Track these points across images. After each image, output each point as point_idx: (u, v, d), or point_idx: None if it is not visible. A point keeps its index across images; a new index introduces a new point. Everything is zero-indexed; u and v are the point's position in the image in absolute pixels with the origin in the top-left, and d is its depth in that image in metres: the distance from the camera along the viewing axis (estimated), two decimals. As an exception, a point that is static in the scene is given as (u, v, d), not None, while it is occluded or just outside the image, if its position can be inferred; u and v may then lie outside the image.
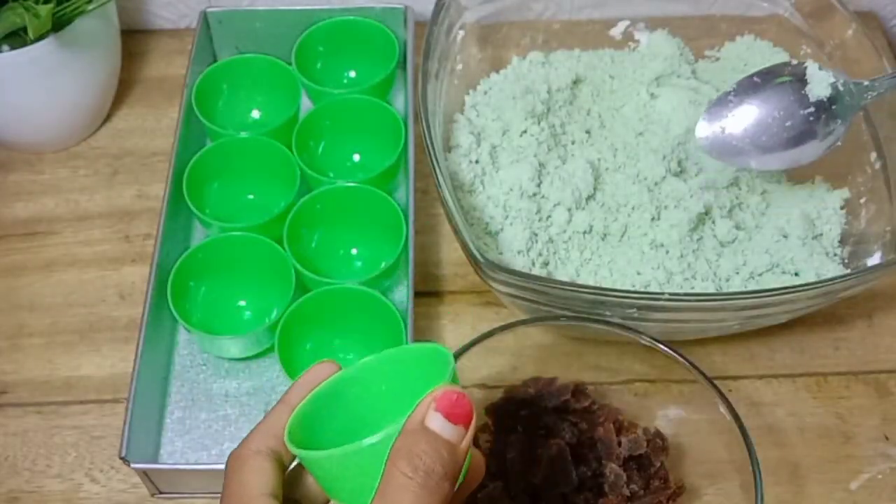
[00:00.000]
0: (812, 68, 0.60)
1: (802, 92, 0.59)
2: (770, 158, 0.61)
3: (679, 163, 0.68)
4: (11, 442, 0.62)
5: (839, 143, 0.60)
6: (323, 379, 0.38)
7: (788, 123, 0.59)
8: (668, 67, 0.74)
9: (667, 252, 0.65)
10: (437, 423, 0.31)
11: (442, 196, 0.58)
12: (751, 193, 0.68)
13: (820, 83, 0.59)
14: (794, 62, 0.62)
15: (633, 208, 0.66)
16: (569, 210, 0.65)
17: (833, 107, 0.59)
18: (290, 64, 0.74)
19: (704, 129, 0.62)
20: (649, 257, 0.65)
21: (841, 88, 0.59)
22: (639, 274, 0.64)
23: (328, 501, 0.38)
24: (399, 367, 0.40)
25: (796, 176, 0.70)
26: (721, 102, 0.62)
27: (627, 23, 0.77)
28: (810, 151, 0.61)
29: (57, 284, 0.69)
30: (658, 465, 0.56)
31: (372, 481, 0.32)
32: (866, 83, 0.60)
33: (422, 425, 0.31)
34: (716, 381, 0.55)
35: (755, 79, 0.61)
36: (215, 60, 0.79)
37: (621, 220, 0.66)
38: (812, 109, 0.59)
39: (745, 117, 0.61)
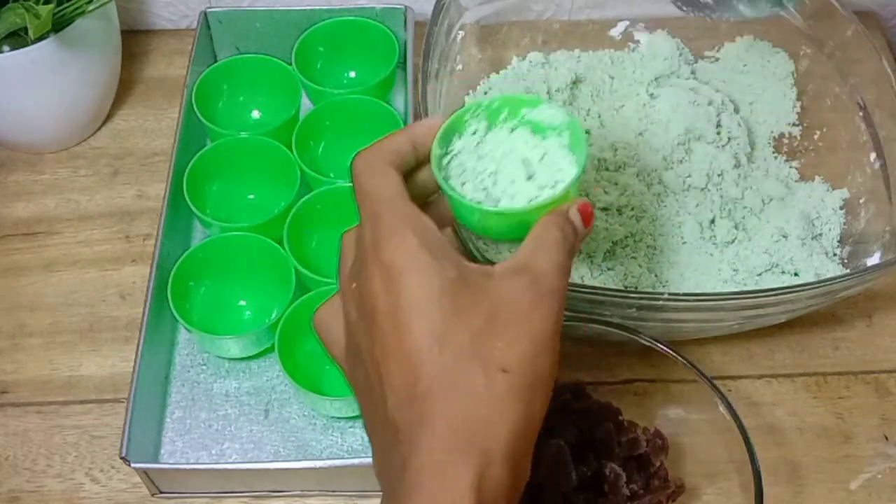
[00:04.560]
0: None
1: None
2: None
3: (679, 163, 0.68)
4: (12, 442, 0.62)
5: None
6: (440, 123, 0.44)
7: None
8: (667, 68, 0.74)
9: (666, 252, 0.65)
10: (576, 219, 0.42)
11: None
12: (751, 193, 0.68)
13: None
14: None
15: (632, 208, 0.66)
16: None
17: None
18: (290, 64, 0.74)
19: None
20: (649, 257, 0.65)
21: None
22: (639, 274, 0.64)
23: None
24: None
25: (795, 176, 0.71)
26: None
27: (627, 23, 0.77)
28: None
29: (57, 284, 0.69)
30: (658, 464, 0.56)
31: (506, 228, 0.44)
32: None
33: (567, 215, 0.42)
34: (715, 381, 0.55)
35: None
36: (215, 60, 0.79)
37: (621, 220, 0.66)
38: None
39: None
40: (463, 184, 0.44)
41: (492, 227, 0.44)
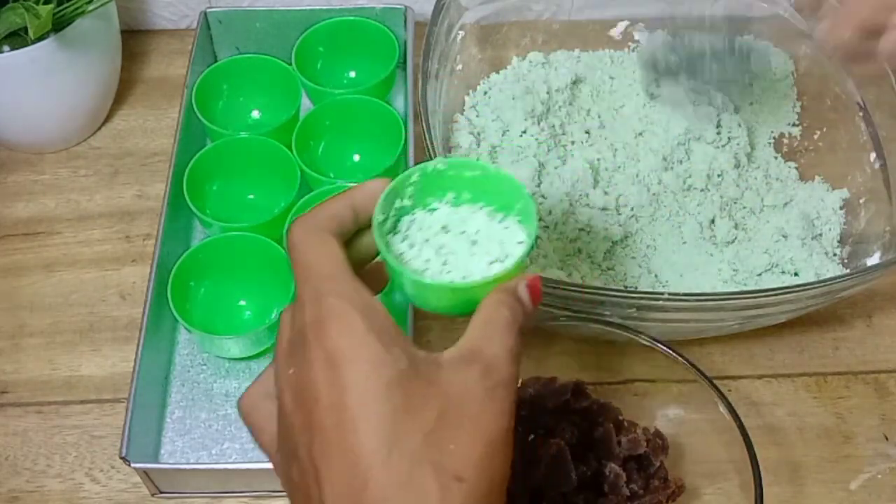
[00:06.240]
0: None
1: None
2: None
3: (679, 163, 0.68)
4: (12, 442, 0.62)
5: None
6: (383, 187, 0.41)
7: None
8: (667, 68, 0.74)
9: (666, 252, 0.65)
10: (525, 297, 0.39)
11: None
12: (750, 193, 0.68)
13: None
14: None
15: (632, 209, 0.66)
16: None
17: None
18: (290, 64, 0.74)
19: None
20: (649, 257, 0.65)
21: None
22: (639, 274, 0.64)
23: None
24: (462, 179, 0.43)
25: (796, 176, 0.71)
26: None
27: (627, 23, 0.77)
28: None
29: (57, 284, 0.69)
30: (658, 464, 0.56)
31: (450, 302, 0.40)
32: None
33: (515, 292, 0.39)
34: (715, 381, 0.55)
35: None
36: (215, 60, 0.79)
37: (621, 220, 0.66)
38: None
39: None
40: (412, 246, 0.41)
41: (433, 301, 0.41)
